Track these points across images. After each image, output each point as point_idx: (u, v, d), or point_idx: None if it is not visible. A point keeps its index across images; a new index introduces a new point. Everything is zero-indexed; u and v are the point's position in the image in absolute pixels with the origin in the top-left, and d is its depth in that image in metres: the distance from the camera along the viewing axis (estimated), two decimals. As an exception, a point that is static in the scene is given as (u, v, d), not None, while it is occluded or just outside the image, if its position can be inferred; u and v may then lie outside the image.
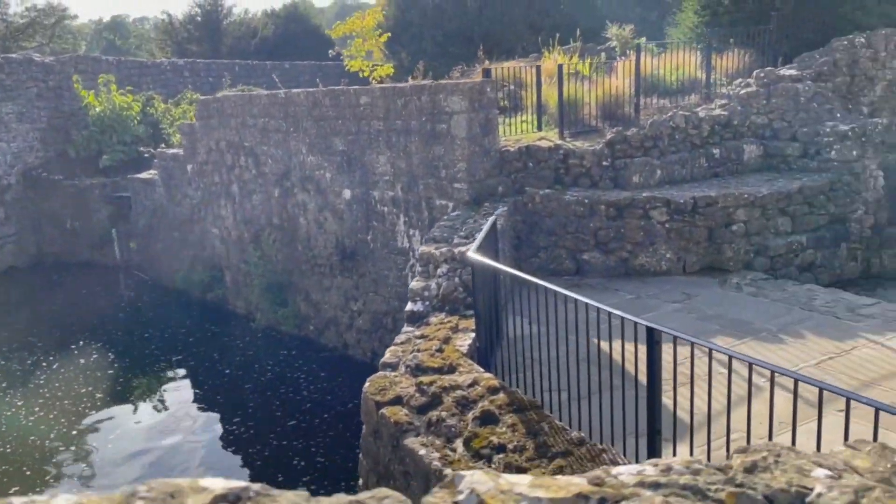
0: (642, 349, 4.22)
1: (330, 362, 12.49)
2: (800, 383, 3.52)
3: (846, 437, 3.19)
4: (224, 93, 14.68)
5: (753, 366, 3.71)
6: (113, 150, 19.30)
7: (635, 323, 4.17)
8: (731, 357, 3.82)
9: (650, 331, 4.06)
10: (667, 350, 4.37)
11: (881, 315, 7.45)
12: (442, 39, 21.21)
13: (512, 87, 12.43)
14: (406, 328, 6.72)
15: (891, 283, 9.89)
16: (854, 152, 10.01)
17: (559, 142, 10.19)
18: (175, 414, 11.31)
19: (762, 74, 11.12)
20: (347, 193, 11.71)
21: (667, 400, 4.65)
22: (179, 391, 12.22)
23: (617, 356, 4.85)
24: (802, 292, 8.34)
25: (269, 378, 12.26)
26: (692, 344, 3.97)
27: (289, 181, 12.82)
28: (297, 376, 12.21)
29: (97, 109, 19.67)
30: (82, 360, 13.19)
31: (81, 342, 14.01)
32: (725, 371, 4.00)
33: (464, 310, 6.85)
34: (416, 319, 6.90)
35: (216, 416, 11.24)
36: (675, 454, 4.57)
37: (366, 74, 17.76)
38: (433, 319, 6.74)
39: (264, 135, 13.11)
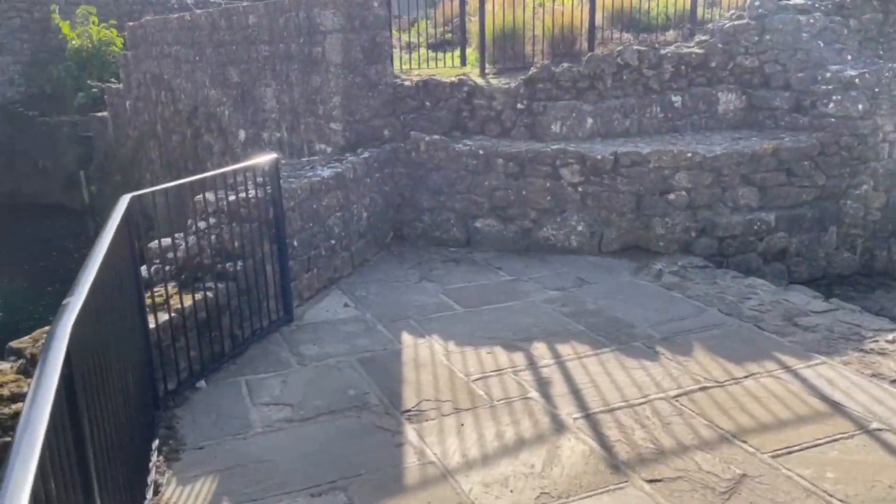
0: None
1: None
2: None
3: None
4: (148, 17, 13.15)
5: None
6: (88, 88, 18.16)
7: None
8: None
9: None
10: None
11: (826, 329, 5.10)
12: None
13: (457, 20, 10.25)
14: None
15: (897, 285, 7.35)
16: (860, 106, 7.41)
17: (465, 77, 8.03)
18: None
19: (757, 3, 8.52)
20: (242, 135, 9.92)
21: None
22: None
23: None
24: (737, 288, 6.01)
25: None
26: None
27: (197, 119, 11.15)
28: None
29: (75, 44, 18.54)
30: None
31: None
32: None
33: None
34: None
35: None
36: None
37: None
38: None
39: (177, 65, 11.46)
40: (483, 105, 7.81)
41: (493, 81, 8.10)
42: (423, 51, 9.88)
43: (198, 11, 10.56)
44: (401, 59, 9.25)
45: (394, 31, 9.29)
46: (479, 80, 8.06)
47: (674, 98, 8.07)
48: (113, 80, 16.38)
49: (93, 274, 2.58)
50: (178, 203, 5.45)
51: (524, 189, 7.18)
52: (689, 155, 6.90)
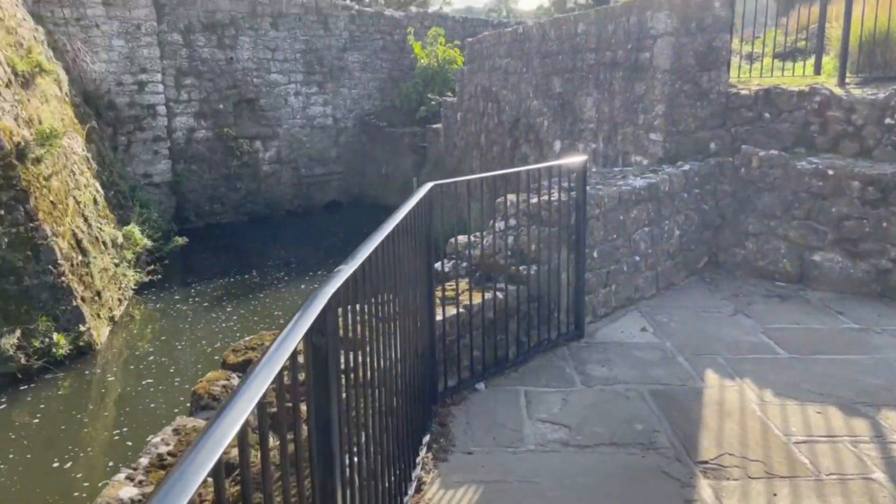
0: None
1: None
2: None
3: None
4: (486, 33, 13.71)
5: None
6: (429, 101, 19.93)
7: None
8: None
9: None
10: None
11: None
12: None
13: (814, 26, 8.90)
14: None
15: None
16: None
17: (818, 86, 6.81)
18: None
19: None
20: (558, 145, 9.79)
21: None
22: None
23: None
24: None
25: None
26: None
27: (517, 130, 11.34)
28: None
29: (423, 62, 20.46)
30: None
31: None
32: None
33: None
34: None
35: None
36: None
37: None
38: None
39: (505, 78, 11.79)
40: (838, 118, 6.56)
41: (855, 92, 6.77)
42: (767, 60, 8.75)
43: (529, 23, 10.74)
44: (739, 68, 8.29)
45: (734, 41, 8.37)
46: (837, 90, 6.80)
47: None
48: (449, 93, 17.67)
49: (370, 247, 2.46)
50: (488, 205, 5.40)
51: (885, 221, 5.82)
52: None
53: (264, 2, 18.88)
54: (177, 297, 12.42)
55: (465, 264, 5.08)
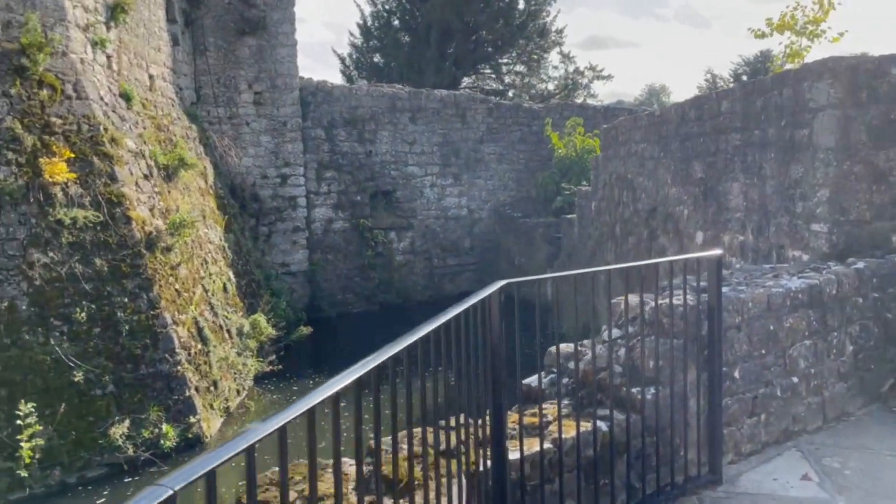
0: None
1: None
2: None
3: None
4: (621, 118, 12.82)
5: None
6: (565, 192, 19.23)
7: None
8: None
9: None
10: None
11: None
12: None
13: None
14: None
15: None
16: None
17: None
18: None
19: None
20: (700, 237, 8.61)
21: None
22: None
23: None
24: None
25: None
26: None
27: (654, 219, 10.25)
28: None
29: (560, 152, 19.92)
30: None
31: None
32: None
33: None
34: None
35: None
36: None
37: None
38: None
39: (641, 163, 10.83)
40: None
41: None
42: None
43: (668, 105, 9.82)
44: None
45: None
46: None
47: None
48: (585, 182, 16.89)
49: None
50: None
51: None
52: None
53: (404, 97, 19.36)
54: (295, 388, 12.15)
55: (567, 381, 4.15)
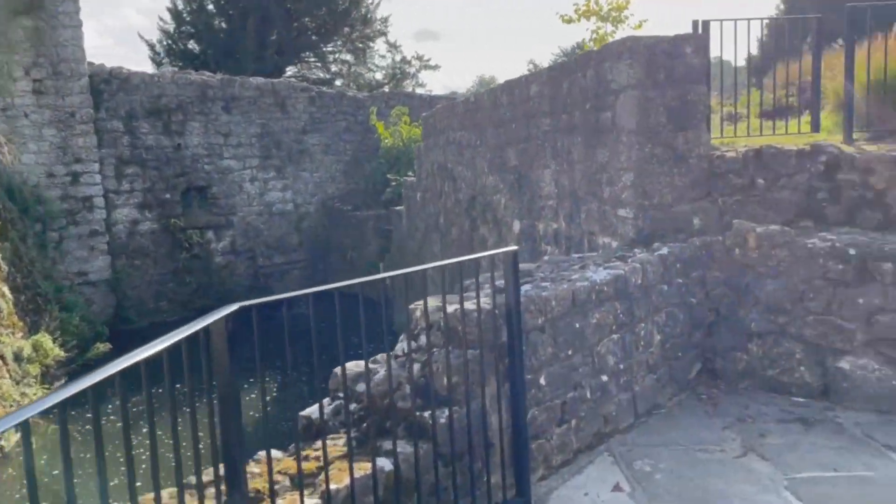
0: None
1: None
2: None
3: None
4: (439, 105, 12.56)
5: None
6: (392, 183, 18.73)
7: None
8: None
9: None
10: None
11: None
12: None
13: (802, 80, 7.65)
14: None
15: None
16: None
17: (822, 143, 5.46)
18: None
19: None
20: (517, 226, 8.38)
21: None
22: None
23: None
24: None
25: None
26: None
27: (474, 209, 9.96)
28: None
29: (387, 142, 19.38)
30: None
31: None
32: None
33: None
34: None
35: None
36: None
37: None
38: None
39: (459, 152, 10.52)
40: (853, 182, 5.16)
41: (870, 149, 5.41)
42: (752, 120, 7.47)
43: (482, 91, 9.53)
44: (721, 129, 7.00)
45: (713, 101, 7.10)
46: (846, 148, 5.43)
47: None
48: (411, 173, 16.49)
49: None
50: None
51: (934, 314, 4.33)
52: None
53: (215, 85, 17.87)
54: (89, 415, 10.63)
55: (353, 406, 3.53)
